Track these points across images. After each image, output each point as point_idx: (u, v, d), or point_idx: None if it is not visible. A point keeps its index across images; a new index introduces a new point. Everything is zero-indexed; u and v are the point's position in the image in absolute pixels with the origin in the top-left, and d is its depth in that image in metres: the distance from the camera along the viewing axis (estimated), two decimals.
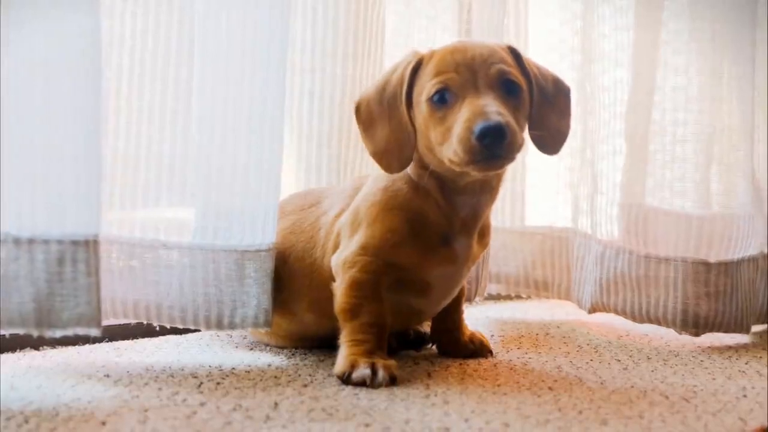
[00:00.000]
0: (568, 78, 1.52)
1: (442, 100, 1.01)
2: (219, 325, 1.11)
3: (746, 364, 1.21)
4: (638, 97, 1.42)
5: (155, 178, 1.12)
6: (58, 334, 0.95)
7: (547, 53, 1.58)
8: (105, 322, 1.21)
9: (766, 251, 1.45)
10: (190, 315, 1.11)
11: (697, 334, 1.36)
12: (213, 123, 1.10)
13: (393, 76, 1.07)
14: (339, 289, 1.07)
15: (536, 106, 1.07)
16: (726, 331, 1.36)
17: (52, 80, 0.94)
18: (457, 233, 1.08)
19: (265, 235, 1.12)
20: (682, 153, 1.41)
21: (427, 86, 1.02)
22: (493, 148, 0.96)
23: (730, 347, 1.33)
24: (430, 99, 1.02)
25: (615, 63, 1.44)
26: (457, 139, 0.97)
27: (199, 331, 1.25)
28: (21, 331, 0.95)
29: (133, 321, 1.12)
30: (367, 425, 0.85)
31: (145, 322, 1.12)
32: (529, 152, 1.59)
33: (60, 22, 0.94)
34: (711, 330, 1.36)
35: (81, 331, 0.95)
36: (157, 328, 1.16)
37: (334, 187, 1.23)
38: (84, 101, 0.96)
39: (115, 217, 1.11)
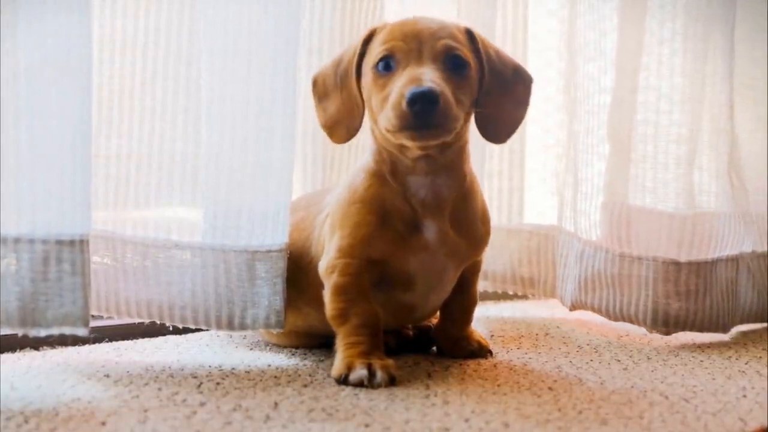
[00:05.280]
0: (563, 78, 1.54)
1: (387, 67, 1.02)
2: (230, 326, 1.11)
3: (746, 364, 1.21)
4: (621, 94, 1.42)
5: (167, 177, 1.13)
6: (43, 333, 0.94)
7: (544, 51, 1.58)
8: (107, 322, 1.23)
9: (760, 250, 1.44)
10: (202, 315, 1.11)
11: (667, 333, 1.36)
12: (223, 121, 1.10)
13: (348, 50, 1.09)
14: (326, 296, 1.07)
15: (487, 89, 1.07)
16: (700, 331, 1.36)
17: (39, 80, 0.94)
18: (422, 217, 1.07)
19: (275, 235, 1.11)
20: (664, 152, 1.41)
21: (373, 54, 1.04)
22: (423, 115, 0.96)
23: (730, 347, 1.33)
24: (375, 66, 1.03)
25: (600, 63, 1.43)
26: (391, 105, 0.98)
27: (199, 330, 1.25)
28: (6, 330, 0.95)
29: (146, 320, 1.12)
30: (367, 425, 0.85)
31: (147, 321, 1.12)
32: (528, 152, 1.60)
33: (48, 22, 0.94)
34: (683, 329, 1.35)
35: (67, 330, 0.95)
36: (161, 325, 1.16)
37: (334, 187, 1.23)
38: (73, 101, 0.95)
39: (130, 217, 1.11)
